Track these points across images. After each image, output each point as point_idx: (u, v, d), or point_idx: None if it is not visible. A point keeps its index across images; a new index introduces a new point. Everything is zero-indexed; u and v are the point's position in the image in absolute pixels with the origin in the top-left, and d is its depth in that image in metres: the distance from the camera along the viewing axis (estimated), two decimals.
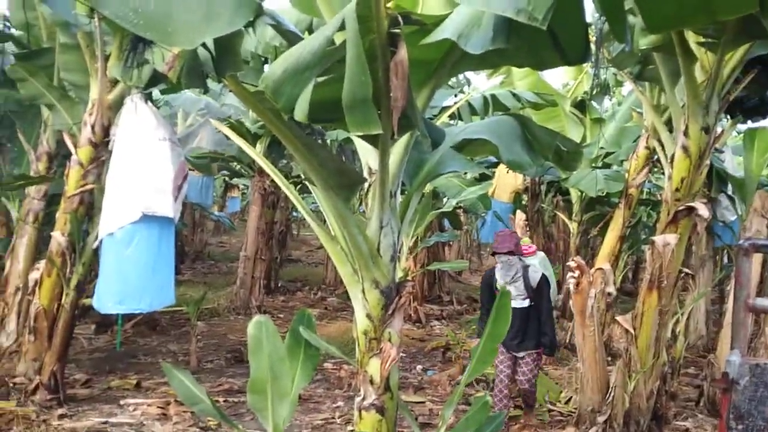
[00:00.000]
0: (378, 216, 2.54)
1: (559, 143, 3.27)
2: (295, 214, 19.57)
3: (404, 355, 8.14)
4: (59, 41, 5.41)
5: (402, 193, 2.78)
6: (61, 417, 5.00)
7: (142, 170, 4.98)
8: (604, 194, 7.47)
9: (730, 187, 7.78)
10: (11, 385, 5.20)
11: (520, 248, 4.94)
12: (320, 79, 2.10)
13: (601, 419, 5.06)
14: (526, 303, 4.94)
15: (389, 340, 2.61)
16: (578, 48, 2.03)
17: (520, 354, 5.09)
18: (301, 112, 1.81)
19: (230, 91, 7.22)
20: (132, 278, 5.02)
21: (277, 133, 2.21)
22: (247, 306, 9.36)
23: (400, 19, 1.88)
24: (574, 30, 1.98)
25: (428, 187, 9.15)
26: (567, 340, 7.69)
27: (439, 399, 6.56)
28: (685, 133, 4.45)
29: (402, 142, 2.52)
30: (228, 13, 2.04)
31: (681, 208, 4.54)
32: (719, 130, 4.63)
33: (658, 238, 4.61)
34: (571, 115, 8.84)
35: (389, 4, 1.88)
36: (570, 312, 6.69)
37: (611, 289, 5.86)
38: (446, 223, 10.77)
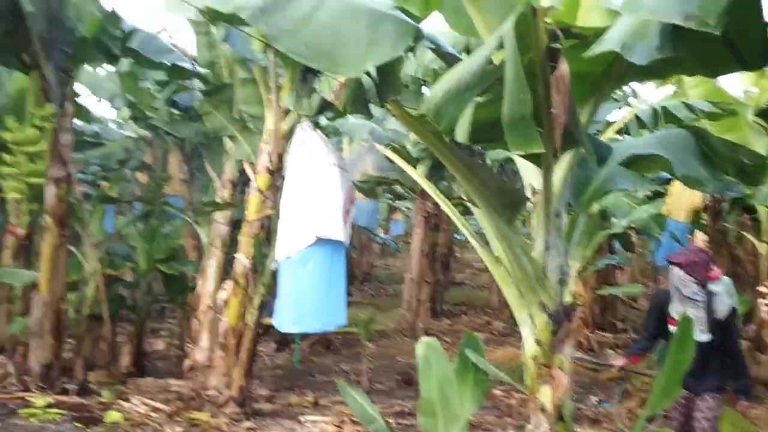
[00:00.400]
0: (543, 237, 2.49)
1: (741, 156, 3.01)
2: (457, 236, 19.63)
3: (577, 385, 7.79)
4: (238, 76, 5.93)
5: (567, 213, 2.70)
6: (249, 430, 5.35)
7: (314, 196, 5.27)
8: None
9: None
10: (205, 397, 5.66)
11: (702, 270, 4.19)
12: (480, 100, 2.12)
13: None
14: (705, 337, 4.15)
15: (560, 367, 2.53)
16: (757, 51, 1.88)
17: (699, 393, 4.40)
18: (462, 132, 1.84)
19: (392, 115, 7.47)
20: (308, 299, 5.29)
21: (439, 154, 2.25)
22: (413, 329, 9.49)
23: (559, 33, 1.86)
24: (752, 31, 1.82)
25: (595, 207, 8.78)
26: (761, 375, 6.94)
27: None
28: None
29: (565, 159, 2.45)
30: (390, 41, 2.13)
31: None
32: None
33: None
34: (754, 124, 8.05)
35: (547, 20, 1.86)
36: (765, 343, 6.05)
37: None
38: (617, 244, 10.23)
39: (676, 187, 9.42)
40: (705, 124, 8.35)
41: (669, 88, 8.89)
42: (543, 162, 2.27)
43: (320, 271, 5.29)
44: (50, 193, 5.63)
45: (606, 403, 7.06)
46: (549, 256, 2.50)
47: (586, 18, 2.25)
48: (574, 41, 2.01)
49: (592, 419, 6.54)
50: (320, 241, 5.25)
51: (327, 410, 6.16)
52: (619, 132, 7.20)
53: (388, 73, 3.02)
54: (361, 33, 2.25)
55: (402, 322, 9.71)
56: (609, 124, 7.20)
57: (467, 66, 1.85)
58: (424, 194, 9.69)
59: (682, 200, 9.53)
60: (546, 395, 2.52)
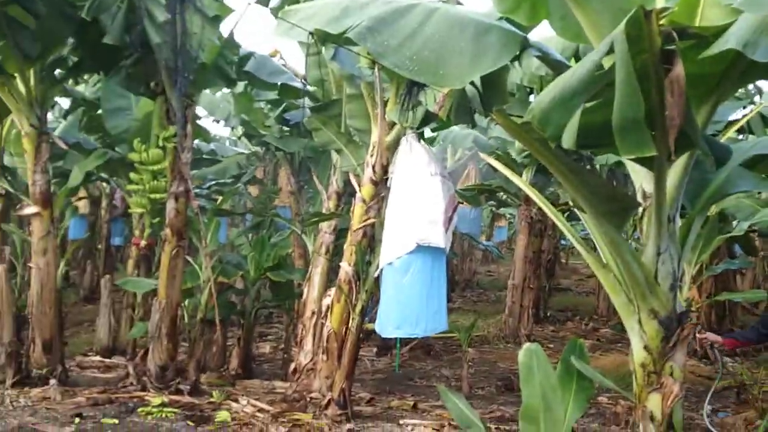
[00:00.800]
0: (655, 242, 2.40)
1: None
2: (563, 242, 19.13)
3: (690, 393, 7.43)
4: (345, 92, 6.10)
5: (682, 216, 2.59)
6: (349, 431, 5.47)
7: (417, 204, 5.32)
8: None
9: None
10: (308, 399, 5.84)
11: None
12: (588, 105, 2.08)
13: None
14: None
15: (671, 375, 2.43)
16: None
17: None
18: (569, 138, 1.81)
19: (496, 124, 7.42)
20: (409, 305, 5.35)
21: (545, 161, 2.23)
22: (516, 334, 9.36)
23: (674, 34, 1.79)
24: None
25: (713, 209, 8.33)
26: None
27: None
28: None
29: (680, 162, 2.36)
30: (495, 51, 2.14)
31: None
32: None
33: None
34: None
35: (662, 21, 1.80)
36: None
37: None
38: (737, 248, 9.64)
39: None
40: None
41: None
42: (656, 166, 2.19)
43: (421, 278, 5.33)
44: (170, 207, 5.99)
45: (722, 413, 6.70)
46: (661, 262, 2.41)
47: (704, 17, 2.15)
48: (691, 42, 1.93)
49: (705, 429, 6.20)
50: (421, 248, 5.29)
51: (426, 414, 6.18)
52: (741, 131, 6.81)
53: (493, 82, 3.01)
54: (466, 45, 2.28)
55: (504, 328, 9.60)
56: (731, 123, 6.82)
57: (575, 72, 1.82)
58: (528, 201, 9.55)
59: None
60: (655, 403, 2.43)
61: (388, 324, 5.50)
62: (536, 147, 2.16)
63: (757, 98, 7.52)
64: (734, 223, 6.62)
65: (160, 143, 5.96)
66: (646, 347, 2.47)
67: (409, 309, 5.38)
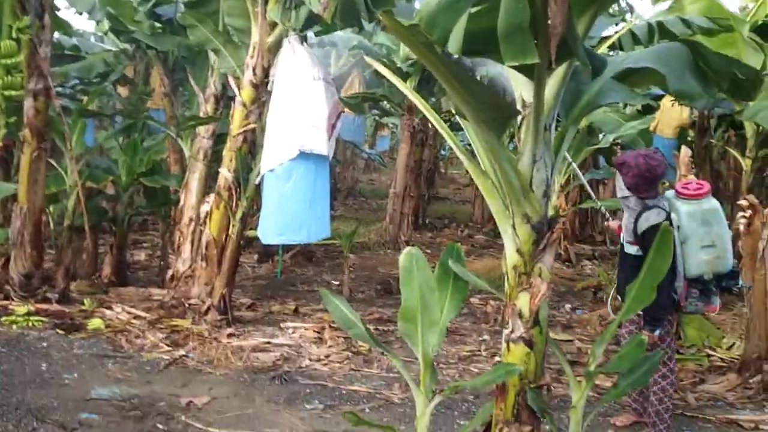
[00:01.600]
0: (531, 150, 2.49)
1: (735, 71, 2.97)
2: (443, 152, 19.62)
3: (553, 293, 8.04)
4: None
5: (557, 127, 2.69)
6: (230, 336, 5.49)
7: (299, 109, 5.22)
8: None
9: None
10: (187, 305, 5.77)
11: (644, 185, 3.84)
12: (475, 10, 2.05)
13: (767, 367, 4.77)
14: (632, 249, 3.92)
15: (539, 276, 2.59)
16: None
17: None
18: (455, 43, 1.79)
19: (382, 29, 7.27)
20: (291, 212, 5.35)
21: (431, 67, 2.20)
22: (395, 241, 9.63)
23: None
24: None
25: (583, 122, 8.77)
26: None
27: (588, 338, 6.44)
28: None
29: (559, 72, 2.41)
30: None
31: None
32: None
33: None
34: (750, 41, 7.94)
35: None
36: (738, 254, 6.19)
37: None
38: (602, 160, 10.30)
39: (666, 104, 9.39)
40: (701, 40, 8.21)
41: (666, 3, 8.67)
42: (536, 74, 2.23)
43: (304, 184, 5.31)
44: (28, 105, 5.54)
45: (580, 310, 7.32)
46: (536, 169, 2.51)
47: None
48: None
49: (565, 325, 6.79)
50: (304, 155, 5.25)
51: (308, 317, 6.32)
52: (612, 48, 7.09)
53: None
54: None
55: (385, 235, 9.85)
56: (603, 39, 7.07)
57: None
58: (411, 110, 9.62)
59: (670, 117, 9.50)
60: (524, 301, 2.59)
61: (271, 231, 5.48)
62: (423, 52, 2.11)
63: (628, 16, 7.85)
64: (600, 135, 7.02)
65: (14, 35, 5.42)
66: (518, 250, 2.60)
67: (291, 216, 5.37)
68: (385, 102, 10.22)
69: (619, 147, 9.89)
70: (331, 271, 8.38)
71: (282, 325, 5.99)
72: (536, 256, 2.59)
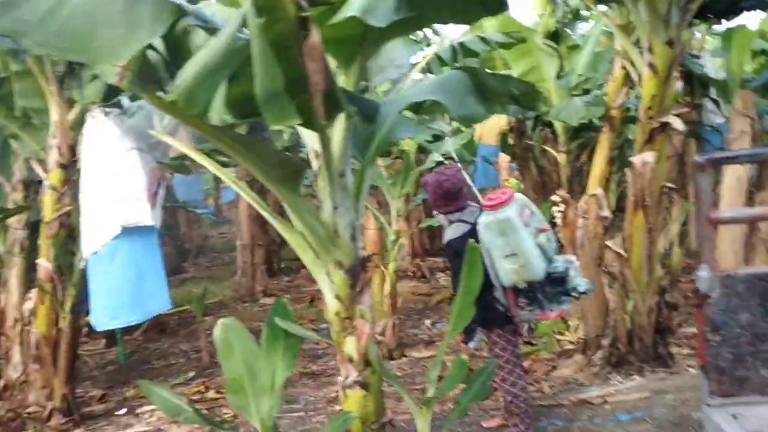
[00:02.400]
0: (330, 198, 2.51)
1: (511, 87, 3.20)
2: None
3: (412, 311, 8.21)
4: (12, 69, 5.30)
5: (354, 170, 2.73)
6: None
7: (114, 184, 4.96)
8: (586, 121, 7.36)
9: (713, 91, 7.66)
10: (26, 415, 5.25)
11: (439, 203, 4.01)
12: (241, 76, 2.04)
13: (605, 342, 5.12)
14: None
15: (362, 317, 2.61)
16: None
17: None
18: (217, 115, 1.76)
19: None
20: (122, 291, 5.04)
21: (209, 136, 2.16)
22: (252, 293, 9.41)
23: (303, 2, 1.81)
24: None
25: (413, 145, 9.10)
26: None
27: (451, 350, 6.62)
28: (650, 50, 4.37)
29: (340, 122, 2.46)
30: (149, 21, 1.97)
31: (655, 125, 4.48)
32: (687, 39, 4.52)
33: (637, 159, 4.56)
34: (545, 47, 8.65)
35: None
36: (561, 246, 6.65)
37: (606, 212, 5.78)
38: None
39: None
40: (503, 53, 8.81)
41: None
42: (317, 128, 2.25)
43: (131, 261, 5.05)
44: None
45: (439, 323, 7.53)
46: (339, 216, 2.53)
47: None
48: (325, 8, 1.97)
49: (427, 342, 6.93)
50: (126, 230, 4.98)
51: None
52: (424, 71, 7.41)
53: (177, 48, 2.80)
54: (119, 16, 2.05)
55: (239, 289, 9.58)
56: (414, 66, 7.35)
57: (215, 46, 1.76)
58: None
59: (491, 126, 10.12)
60: (351, 346, 2.60)
61: (103, 315, 5.13)
62: (195, 122, 2.07)
63: (437, 38, 8.26)
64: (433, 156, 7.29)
65: None
66: (337, 296, 2.61)
67: (123, 296, 5.06)
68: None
69: (452, 161, 10.36)
70: (187, 339, 8.00)
71: (138, 410, 5.63)
72: (355, 298, 2.61)
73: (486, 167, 9.76)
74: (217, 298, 9.48)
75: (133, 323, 5.51)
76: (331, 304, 2.63)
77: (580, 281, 3.70)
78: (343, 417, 2.53)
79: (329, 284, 2.60)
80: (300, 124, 2.28)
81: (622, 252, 4.86)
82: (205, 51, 1.86)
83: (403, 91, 3.15)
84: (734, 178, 5.75)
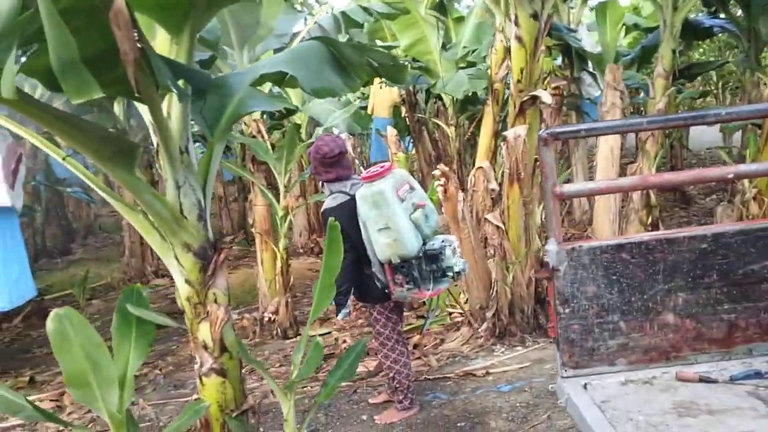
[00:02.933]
0: (172, 176, 2.37)
1: (371, 59, 3.14)
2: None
3: (309, 288, 8.14)
4: None
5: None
6: None
7: None
8: (470, 93, 7.45)
9: (591, 64, 7.93)
10: None
11: (316, 165, 3.94)
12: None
13: (489, 314, 5.24)
14: None
15: (215, 302, 2.50)
16: None
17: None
18: (7, 88, 1.59)
19: None
20: None
21: (27, 114, 1.97)
22: (142, 274, 9.06)
23: None
24: None
25: (303, 118, 8.93)
26: None
27: (345, 326, 6.62)
28: (516, 23, 4.41)
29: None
30: None
31: (525, 98, 4.56)
32: (552, 12, 4.60)
33: (509, 132, 4.63)
34: (429, 18, 8.65)
35: None
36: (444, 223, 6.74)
37: (494, 185, 5.87)
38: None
39: (376, 87, 9.94)
40: (389, 24, 8.75)
41: None
42: (147, 101, 2.10)
43: None
44: None
45: (332, 300, 7.48)
46: (183, 195, 2.40)
47: None
48: None
49: (323, 319, 6.89)
50: None
51: (46, 385, 5.68)
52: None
53: None
54: None
55: (129, 270, 9.19)
56: (295, 35, 7.19)
57: None
58: None
59: (383, 98, 10.10)
60: (205, 332, 2.50)
61: None
62: (7, 101, 1.89)
63: (318, 8, 8.13)
64: (317, 129, 7.16)
65: None
66: (187, 281, 2.49)
67: None
68: None
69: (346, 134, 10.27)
70: None
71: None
72: (207, 282, 2.50)
73: (380, 140, 9.74)
74: (105, 280, 9.06)
75: None
76: (183, 289, 2.50)
77: (456, 261, 3.67)
78: (196, 406, 2.43)
79: (179, 268, 2.47)
80: (132, 97, 2.13)
81: (500, 225, 4.95)
82: None
83: (257, 63, 3.02)
84: (607, 148, 5.98)
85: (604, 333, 2.48)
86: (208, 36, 3.05)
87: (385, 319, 4.02)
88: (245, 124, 6.51)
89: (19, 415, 2.41)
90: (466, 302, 6.32)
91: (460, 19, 8.80)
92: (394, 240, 3.53)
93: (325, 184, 3.99)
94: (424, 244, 3.68)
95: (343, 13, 7.05)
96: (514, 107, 4.63)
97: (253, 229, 6.66)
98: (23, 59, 1.99)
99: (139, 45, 1.77)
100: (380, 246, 3.60)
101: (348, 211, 3.71)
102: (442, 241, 3.69)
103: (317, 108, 8.48)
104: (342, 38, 8.12)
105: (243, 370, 2.76)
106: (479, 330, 5.35)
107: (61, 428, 4.44)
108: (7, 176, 4.72)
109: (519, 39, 4.42)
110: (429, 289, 3.68)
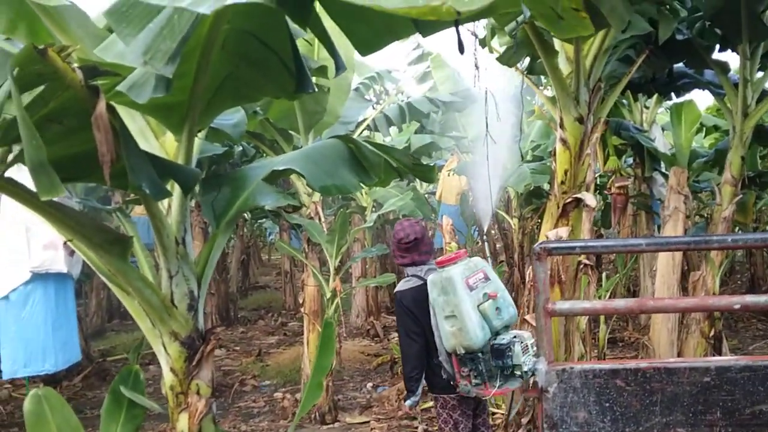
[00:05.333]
0: (165, 266, 2.44)
1: (394, 160, 3.18)
2: (271, 237, 19.43)
3: (357, 373, 8.05)
4: None
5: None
6: None
7: (28, 227, 4.91)
8: (531, 188, 7.37)
9: (663, 165, 7.71)
10: None
11: (396, 254, 3.98)
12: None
13: (525, 420, 4.97)
14: None
15: (197, 393, 2.50)
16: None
17: None
18: None
19: None
20: (33, 340, 4.95)
21: (20, 201, 2.10)
22: None
23: (78, 72, 1.78)
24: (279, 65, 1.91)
25: (368, 201, 9.10)
26: None
27: (385, 416, 6.46)
28: (561, 126, 4.36)
29: (177, 189, 2.41)
30: None
31: (569, 200, 4.45)
32: (597, 119, 4.50)
33: (551, 233, 4.50)
34: (506, 110, 8.73)
35: (72, 57, 1.79)
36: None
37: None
38: None
39: (445, 174, 10.03)
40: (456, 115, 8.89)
41: (428, 84, 9.43)
42: (143, 200, 2.21)
43: (44, 308, 4.97)
44: None
45: (381, 387, 7.36)
46: (174, 284, 2.45)
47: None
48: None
49: (364, 406, 6.77)
50: (39, 276, 4.92)
51: None
52: (369, 129, 7.48)
53: None
54: None
55: None
56: (361, 123, 7.45)
57: None
58: (198, 206, 9.44)
59: (451, 185, 10.16)
60: (184, 423, 2.48)
61: (14, 363, 5.03)
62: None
63: (386, 97, 8.41)
64: (372, 214, 7.28)
65: None
66: (172, 369, 2.51)
67: (34, 344, 4.97)
68: None
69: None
70: None
71: None
72: (191, 373, 2.50)
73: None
74: None
75: (43, 373, 5.38)
76: (167, 377, 2.52)
77: (526, 359, 3.29)
78: None
79: (165, 356, 2.50)
80: (119, 189, 2.23)
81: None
82: None
83: (272, 159, 3.12)
84: (669, 254, 5.70)
85: None
86: (232, 131, 3.20)
87: (447, 416, 3.85)
88: (305, 206, 6.69)
89: None
90: (504, 404, 6.06)
91: (531, 113, 8.82)
92: (459, 329, 3.37)
93: (402, 266, 4.00)
94: (495, 338, 3.45)
95: (409, 104, 7.24)
96: (558, 208, 4.52)
97: (302, 309, 6.71)
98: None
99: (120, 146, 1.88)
100: (446, 334, 3.46)
101: (420, 296, 3.67)
102: (513, 337, 3.40)
103: (381, 192, 8.63)
104: (405, 128, 8.31)
105: None
106: None
107: None
108: (67, 244, 4.99)
109: (564, 141, 4.36)
110: (495, 387, 3.39)
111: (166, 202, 2.47)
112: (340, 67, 2.12)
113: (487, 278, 3.61)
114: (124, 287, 2.50)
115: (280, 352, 8.92)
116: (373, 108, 7.64)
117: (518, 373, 3.30)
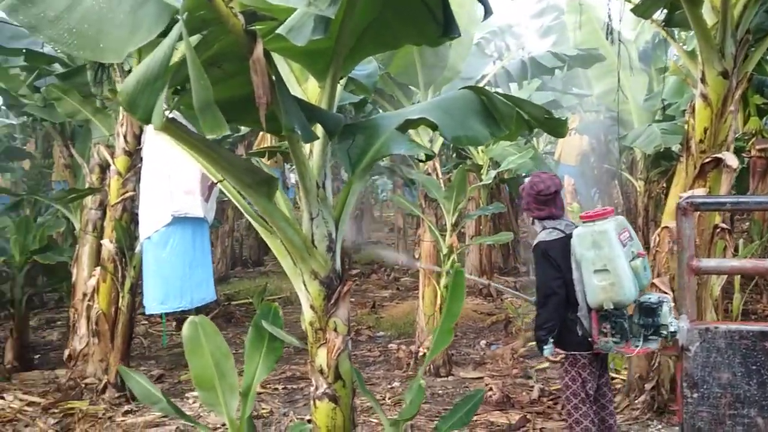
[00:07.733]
0: (307, 208, 2.55)
1: (523, 111, 3.12)
2: (383, 195, 19.68)
3: (470, 330, 8.11)
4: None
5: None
6: (126, 413, 5.37)
7: (170, 174, 5.24)
8: (661, 149, 7.00)
9: None
10: (84, 385, 5.65)
11: (528, 202, 3.89)
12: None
13: (648, 386, 4.86)
14: None
15: (335, 330, 2.63)
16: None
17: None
18: (158, 121, 1.86)
19: None
20: (171, 278, 5.31)
21: (182, 142, 2.26)
22: None
23: (240, 17, 1.87)
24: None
25: (484, 159, 8.99)
26: None
27: (498, 373, 6.49)
28: (703, 80, 4.11)
29: (320, 133, 2.50)
30: (150, 22, 2.10)
31: (707, 159, 4.21)
32: (744, 74, 4.19)
33: (684, 195, 4.28)
34: (635, 67, 8.31)
35: (232, 3, 1.88)
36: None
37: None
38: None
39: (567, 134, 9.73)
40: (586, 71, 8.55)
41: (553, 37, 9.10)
42: (288, 140, 2.31)
43: (182, 250, 5.30)
44: None
45: (494, 345, 7.37)
46: (315, 226, 2.56)
47: None
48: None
49: (477, 362, 6.82)
50: (179, 220, 5.25)
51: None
52: (489, 85, 7.34)
53: None
54: (125, 18, 2.20)
55: None
56: (482, 78, 7.33)
57: (155, 56, 1.86)
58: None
59: (572, 146, 9.86)
60: (322, 357, 2.62)
61: (153, 300, 5.42)
62: (167, 131, 2.18)
63: (507, 53, 8.20)
64: (490, 172, 7.19)
65: None
66: (311, 306, 2.65)
67: (172, 283, 5.33)
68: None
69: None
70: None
71: (188, 394, 5.89)
72: (329, 311, 2.63)
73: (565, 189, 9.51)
74: (284, 294, 9.75)
75: (180, 309, 5.79)
76: (307, 314, 2.66)
77: (671, 320, 3.14)
78: (300, 428, 2.57)
79: (305, 294, 2.64)
80: (269, 132, 2.34)
81: (668, 291, 4.57)
82: (145, 61, 1.95)
83: (405, 109, 3.14)
84: None
85: (737, 427, 2.21)
86: (367, 81, 3.25)
87: (575, 373, 3.71)
88: (423, 162, 6.72)
89: (155, 407, 2.72)
90: (625, 369, 5.89)
91: (662, 70, 8.34)
92: (611, 284, 3.29)
93: (536, 221, 3.93)
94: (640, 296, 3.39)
95: (532, 59, 7.03)
96: (694, 168, 4.29)
97: (418, 263, 6.80)
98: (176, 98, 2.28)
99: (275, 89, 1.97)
100: (593, 289, 3.39)
101: (563, 248, 3.61)
102: (660, 297, 3.33)
103: (498, 150, 8.50)
104: (525, 85, 8.09)
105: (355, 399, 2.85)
106: (636, 401, 4.96)
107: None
108: (203, 191, 5.31)
109: (704, 97, 4.11)
110: (638, 346, 3.31)
111: (307, 147, 2.57)
112: (488, 11, 2.09)
113: (631, 237, 3.54)
114: (268, 227, 2.65)
115: (393, 305, 9.11)
116: (494, 64, 7.49)
117: (664, 332, 3.18)
